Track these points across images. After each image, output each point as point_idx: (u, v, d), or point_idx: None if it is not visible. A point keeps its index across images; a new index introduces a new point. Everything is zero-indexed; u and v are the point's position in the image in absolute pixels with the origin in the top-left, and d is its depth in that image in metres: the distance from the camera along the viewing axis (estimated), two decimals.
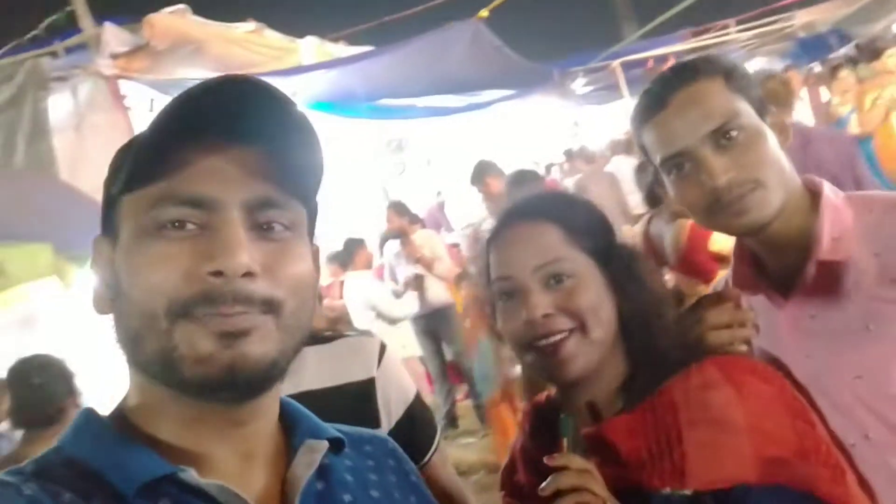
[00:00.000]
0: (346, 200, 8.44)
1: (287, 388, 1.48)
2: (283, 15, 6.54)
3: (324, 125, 6.61)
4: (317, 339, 1.57)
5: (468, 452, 5.64)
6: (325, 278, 6.81)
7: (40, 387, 2.67)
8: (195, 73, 5.22)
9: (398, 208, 6.32)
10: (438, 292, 5.88)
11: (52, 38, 4.74)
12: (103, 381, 2.80)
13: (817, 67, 9.10)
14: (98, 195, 0.81)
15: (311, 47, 6.60)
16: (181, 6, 5.05)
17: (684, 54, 10.14)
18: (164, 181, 0.71)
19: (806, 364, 1.22)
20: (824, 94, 7.00)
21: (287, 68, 5.94)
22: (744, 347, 1.20)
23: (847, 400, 1.18)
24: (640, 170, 4.49)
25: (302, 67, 6.08)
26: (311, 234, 0.82)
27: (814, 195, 1.24)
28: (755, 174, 1.17)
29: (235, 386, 0.70)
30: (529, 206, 1.20)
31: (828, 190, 1.24)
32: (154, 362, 0.70)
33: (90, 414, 0.77)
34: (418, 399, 1.58)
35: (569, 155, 8.88)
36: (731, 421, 1.01)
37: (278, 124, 0.73)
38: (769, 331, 1.26)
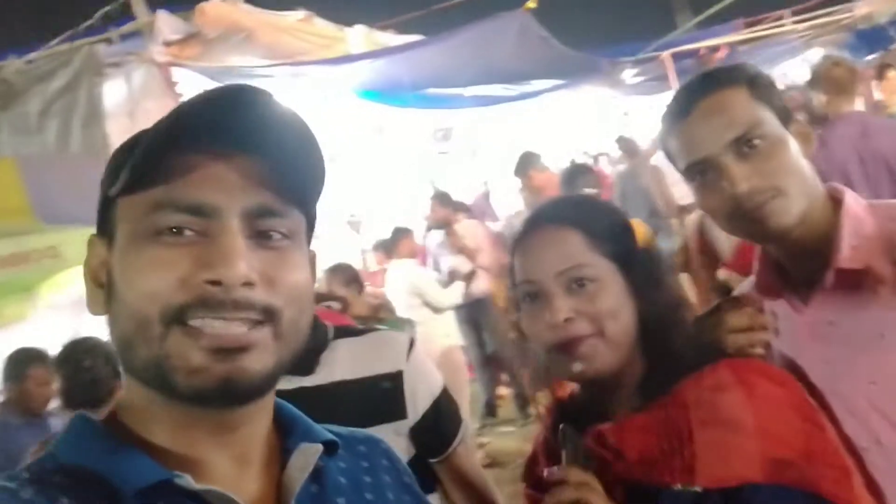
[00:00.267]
0: (393, 190, 8.50)
1: (319, 378, 1.55)
2: (332, 3, 6.57)
3: (371, 114, 6.66)
4: (349, 331, 1.66)
5: (508, 441, 5.68)
6: (371, 266, 6.88)
7: (90, 369, 2.75)
8: (245, 61, 5.31)
9: (441, 199, 6.35)
10: (480, 282, 5.89)
11: (106, 26, 4.84)
12: None
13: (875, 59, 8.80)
14: None
15: (360, 36, 6.64)
16: None
17: (737, 45, 9.94)
18: (164, 186, 0.70)
19: (823, 369, 1.23)
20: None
21: (335, 57, 5.98)
22: (761, 351, 1.21)
23: (861, 405, 1.20)
24: None
25: (350, 56, 6.11)
26: (308, 240, 0.82)
27: (836, 203, 1.25)
28: (776, 182, 1.19)
29: (230, 397, 0.70)
30: (553, 211, 1.23)
31: (850, 198, 1.26)
32: (147, 369, 0.70)
33: (84, 419, 0.77)
34: (445, 392, 1.65)
35: (622, 142, 8.78)
36: (740, 422, 1.04)
37: (279, 133, 0.73)
38: (789, 336, 1.29)
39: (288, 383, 1.49)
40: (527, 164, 5.05)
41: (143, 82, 4.48)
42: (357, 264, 5.70)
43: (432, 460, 1.65)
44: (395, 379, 1.56)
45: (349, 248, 7.38)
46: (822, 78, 3.78)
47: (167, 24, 4.65)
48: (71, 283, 3.79)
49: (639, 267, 1.18)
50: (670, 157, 1.32)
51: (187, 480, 0.69)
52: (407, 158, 8.17)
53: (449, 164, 8.92)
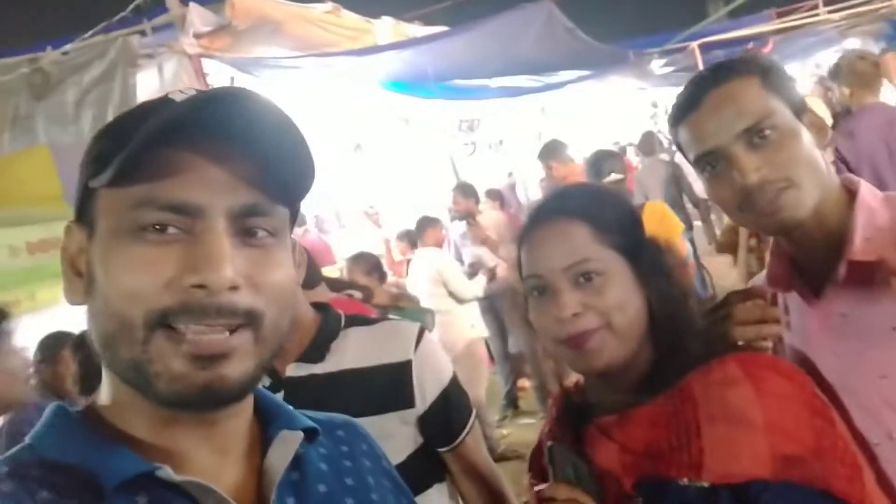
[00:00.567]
0: (417, 180, 8.53)
1: (329, 365, 1.58)
2: None
3: (397, 105, 6.70)
4: (361, 320, 1.68)
5: (529, 433, 5.67)
6: (395, 255, 6.93)
7: None
8: (274, 52, 5.38)
9: (464, 190, 6.33)
10: (501, 274, 5.89)
11: (138, 17, 4.93)
12: None
13: None
14: None
15: (387, 27, 6.67)
16: None
17: (767, 35, 9.78)
18: (148, 184, 0.68)
19: (834, 362, 1.22)
20: None
21: (362, 48, 6.03)
22: (769, 344, 1.21)
23: (872, 400, 1.18)
24: None
25: (376, 47, 6.15)
26: (291, 231, 0.81)
27: (851, 195, 1.24)
28: (787, 173, 1.17)
29: (210, 403, 0.70)
30: (559, 203, 1.22)
31: (864, 190, 1.24)
32: (128, 370, 0.69)
33: (62, 411, 0.76)
34: (454, 383, 1.67)
35: (642, 141, 8.76)
36: (749, 417, 1.03)
37: (267, 131, 0.72)
38: (801, 328, 1.28)
39: (299, 370, 1.58)
40: (550, 153, 5.02)
41: (174, 73, 4.55)
42: (379, 253, 5.73)
43: (441, 450, 1.67)
44: (403, 368, 1.59)
45: (373, 238, 7.42)
46: (847, 71, 3.82)
47: (198, 16, 4.72)
48: None
49: (646, 257, 1.17)
50: (682, 148, 1.31)
51: (167, 472, 0.68)
52: (432, 149, 8.20)
53: (474, 154, 8.92)
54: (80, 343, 2.90)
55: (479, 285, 5.67)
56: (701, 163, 1.25)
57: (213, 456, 0.75)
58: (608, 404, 1.16)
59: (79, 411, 0.76)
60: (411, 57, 6.10)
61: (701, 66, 9.24)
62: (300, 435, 0.82)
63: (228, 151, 0.71)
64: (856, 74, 3.83)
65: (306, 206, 7.55)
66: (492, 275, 5.77)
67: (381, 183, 8.26)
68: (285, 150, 0.73)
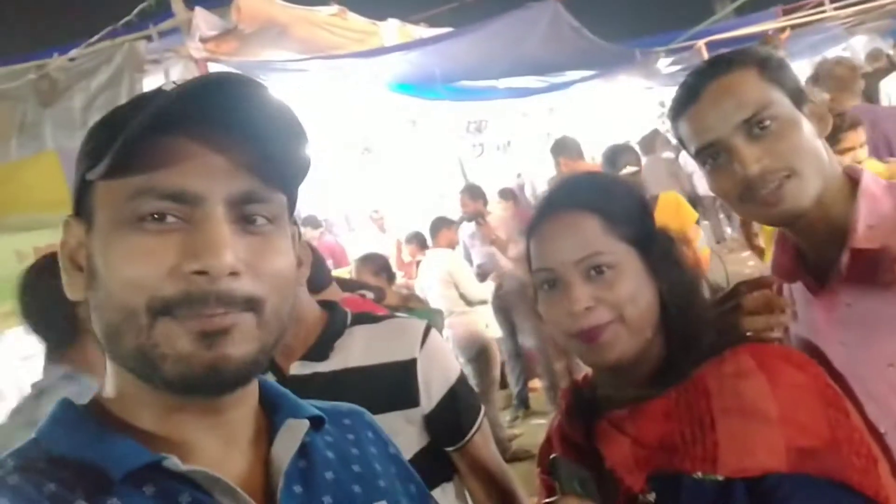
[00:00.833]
0: (426, 182, 8.52)
1: (333, 363, 1.56)
2: None
3: (405, 107, 6.70)
4: (367, 318, 1.66)
5: (540, 433, 5.64)
6: (405, 256, 6.92)
7: None
8: (280, 55, 5.39)
9: (472, 192, 6.32)
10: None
11: (144, 22, 4.95)
12: None
13: None
14: None
15: (393, 30, 6.68)
16: None
17: (774, 32, 9.75)
18: (145, 173, 0.68)
19: (841, 352, 1.21)
20: None
21: (368, 50, 6.03)
22: (779, 333, 1.20)
23: (880, 388, 1.17)
24: None
25: (382, 49, 6.16)
26: (290, 216, 0.81)
27: (854, 183, 1.23)
28: (788, 163, 1.17)
29: (216, 385, 0.70)
30: (568, 194, 1.20)
31: (867, 178, 1.23)
32: (133, 358, 0.69)
33: (67, 405, 0.76)
34: (461, 381, 1.64)
35: (643, 141, 8.78)
36: (763, 410, 1.01)
37: (263, 117, 0.72)
38: (807, 319, 1.27)
39: (303, 368, 1.56)
40: (560, 149, 5.01)
41: (181, 78, 4.56)
42: (388, 255, 5.72)
43: (449, 449, 1.64)
44: (408, 367, 1.56)
45: (378, 242, 7.41)
46: (825, 77, 4.00)
47: (204, 20, 4.73)
48: None
49: (657, 248, 1.16)
50: (683, 142, 1.31)
51: (174, 462, 0.69)
52: (440, 151, 8.19)
53: (482, 156, 8.91)
54: None
55: (489, 288, 5.65)
56: (702, 155, 1.25)
57: (220, 445, 0.76)
58: (619, 398, 1.14)
59: (84, 405, 0.76)
60: (418, 58, 6.10)
61: None
62: (306, 423, 0.82)
63: (224, 138, 0.71)
64: (834, 79, 3.99)
65: (316, 209, 7.56)
66: (500, 282, 5.75)
67: (390, 185, 8.26)
68: (280, 134, 0.73)
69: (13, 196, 3.65)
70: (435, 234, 5.80)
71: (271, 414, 0.83)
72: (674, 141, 8.67)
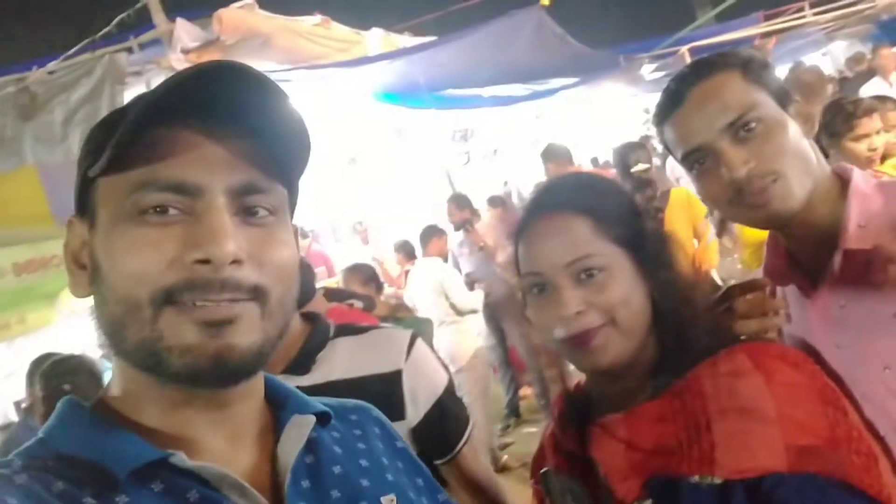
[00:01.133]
0: (414, 192, 8.51)
1: (317, 376, 1.51)
2: (348, 7, 6.62)
3: (390, 116, 6.68)
4: (350, 329, 1.61)
5: (532, 442, 5.62)
6: (392, 270, 6.89)
7: (71, 392, 2.70)
8: (264, 66, 5.35)
9: (459, 201, 6.31)
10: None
11: (122, 34, 4.91)
12: None
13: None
14: None
15: (377, 39, 6.66)
16: (249, 1, 5.17)
17: (756, 38, 9.84)
18: (146, 166, 0.69)
19: (836, 355, 1.19)
20: None
21: (352, 59, 6.01)
22: (774, 335, 1.18)
23: (877, 391, 1.15)
24: None
25: (366, 58, 6.14)
26: (291, 213, 0.81)
27: (844, 183, 1.22)
28: (775, 165, 1.15)
29: (221, 375, 0.70)
30: (557, 195, 1.17)
31: (857, 177, 1.22)
32: (138, 351, 0.69)
33: (73, 403, 0.77)
34: (448, 392, 1.59)
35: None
36: (760, 409, 0.98)
37: (262, 108, 0.72)
38: (801, 322, 1.26)
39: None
40: (548, 155, 5.02)
41: None
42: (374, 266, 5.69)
43: (437, 462, 1.59)
44: (393, 378, 1.51)
45: (361, 255, 7.38)
46: (794, 84, 4.15)
47: (186, 31, 4.70)
48: None
49: (648, 249, 1.13)
50: (668, 148, 1.30)
51: (181, 458, 0.69)
52: (427, 160, 8.18)
53: (469, 164, 8.91)
54: (46, 378, 2.82)
55: (477, 299, 5.63)
56: (689, 160, 1.23)
57: (227, 441, 0.76)
58: (613, 403, 1.11)
59: (90, 404, 0.77)
60: (403, 67, 6.09)
61: None
62: (312, 419, 0.83)
63: (223, 128, 0.72)
64: (803, 85, 4.13)
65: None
66: (489, 290, 5.73)
67: (376, 195, 8.24)
68: (279, 124, 0.74)
69: None
70: (425, 242, 5.78)
71: (277, 410, 0.83)
72: (660, 148, 8.72)
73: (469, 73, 6.80)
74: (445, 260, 5.89)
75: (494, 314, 5.99)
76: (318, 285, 2.56)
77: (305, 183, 0.84)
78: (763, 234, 1.36)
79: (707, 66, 1.23)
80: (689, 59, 9.34)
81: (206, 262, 0.67)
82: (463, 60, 6.58)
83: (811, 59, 10.85)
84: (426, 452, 1.57)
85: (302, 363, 1.52)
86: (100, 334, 0.73)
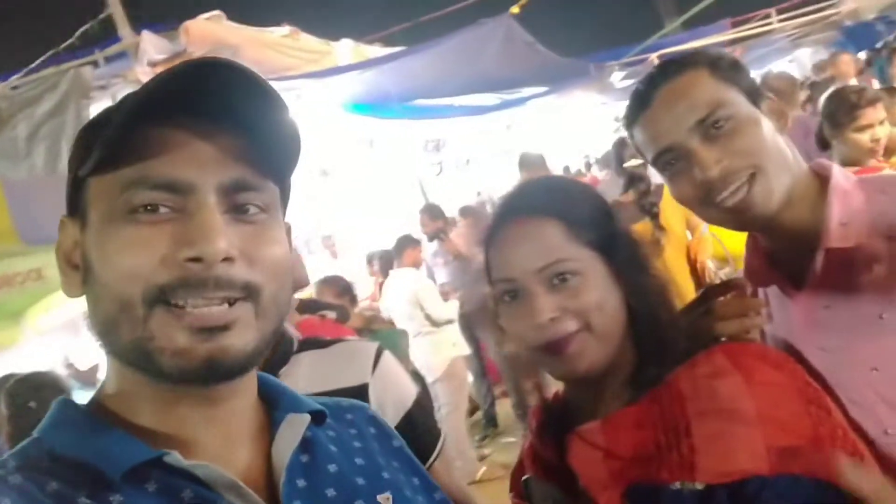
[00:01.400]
0: (386, 202, 8.48)
1: None
2: (317, 18, 6.60)
3: (361, 127, 6.66)
4: (314, 343, 1.55)
5: (510, 452, 5.61)
6: (366, 278, 6.85)
7: (36, 411, 2.63)
8: None
9: (431, 212, 6.30)
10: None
11: (86, 46, 4.84)
12: None
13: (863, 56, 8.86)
14: None
15: (347, 50, 6.66)
16: (217, 12, 5.13)
17: (724, 45, 9.99)
18: (136, 165, 0.69)
19: (821, 357, 1.16)
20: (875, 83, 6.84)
21: (322, 70, 5.99)
22: (755, 335, 1.16)
23: (865, 395, 1.12)
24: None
25: (336, 69, 6.12)
26: (283, 212, 0.81)
27: (823, 181, 1.19)
28: (750, 161, 1.13)
29: (214, 376, 0.70)
30: (527, 199, 1.15)
31: (837, 173, 1.19)
32: (130, 350, 0.70)
33: (67, 404, 0.77)
34: (418, 405, 1.54)
35: (601, 159, 8.89)
36: (740, 410, 0.96)
37: (252, 105, 0.72)
38: (784, 324, 1.22)
39: None
40: (522, 164, 5.05)
41: None
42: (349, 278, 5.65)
43: None
44: (359, 393, 1.45)
45: (330, 268, 7.33)
46: (766, 89, 4.20)
47: (152, 44, 4.64)
48: (58, 306, 3.77)
49: (622, 252, 1.10)
50: (640, 151, 1.27)
51: (175, 458, 0.69)
52: (399, 171, 8.16)
53: (441, 175, 8.90)
54: (10, 397, 2.76)
55: (452, 309, 5.61)
56: (660, 162, 1.21)
57: (221, 441, 0.76)
58: (591, 410, 1.09)
59: (84, 404, 0.77)
60: (373, 78, 6.08)
61: None
62: (307, 417, 0.82)
63: (213, 125, 0.71)
64: (774, 92, 4.22)
65: None
66: (463, 300, 5.72)
67: (349, 208, 8.19)
68: (271, 122, 0.73)
69: None
70: (400, 253, 5.74)
71: (271, 409, 0.83)
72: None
73: (440, 82, 6.81)
74: (420, 270, 5.87)
75: (470, 324, 5.97)
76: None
77: None
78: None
79: (674, 65, 1.21)
80: None
81: (197, 259, 0.67)
82: (433, 70, 6.58)
83: (778, 65, 11.03)
84: None
85: None
86: (93, 334, 0.73)
